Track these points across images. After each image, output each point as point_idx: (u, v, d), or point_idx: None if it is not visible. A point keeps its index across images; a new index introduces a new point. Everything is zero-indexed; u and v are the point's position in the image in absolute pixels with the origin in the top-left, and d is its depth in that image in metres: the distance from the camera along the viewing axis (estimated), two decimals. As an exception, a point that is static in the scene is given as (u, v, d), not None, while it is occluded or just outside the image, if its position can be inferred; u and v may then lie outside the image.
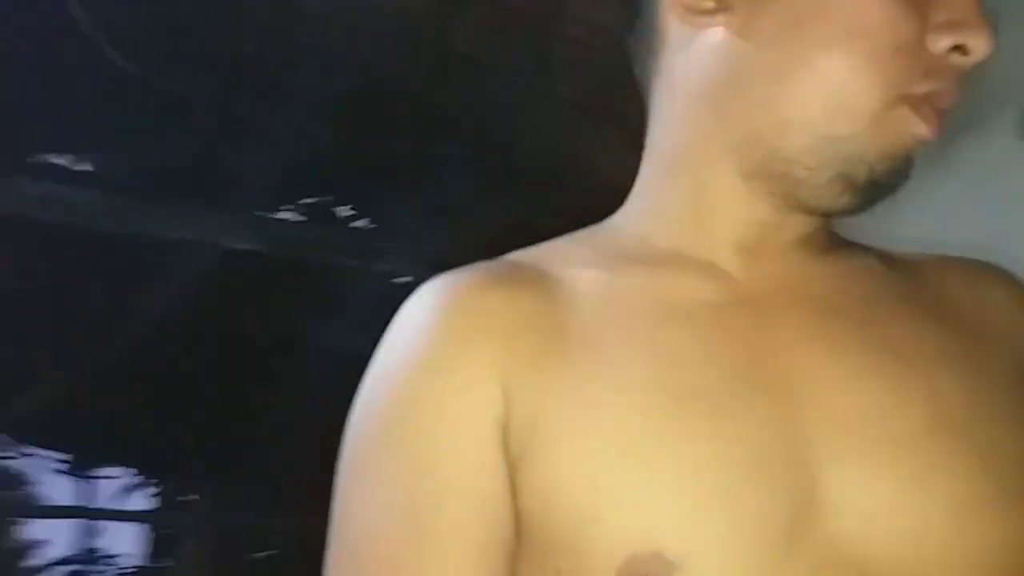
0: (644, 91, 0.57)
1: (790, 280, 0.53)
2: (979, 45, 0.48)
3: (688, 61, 0.53)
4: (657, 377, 0.48)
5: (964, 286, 0.56)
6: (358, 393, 0.52)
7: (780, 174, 0.51)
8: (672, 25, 0.53)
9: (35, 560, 3.73)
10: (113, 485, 3.59)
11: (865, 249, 0.58)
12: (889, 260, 0.57)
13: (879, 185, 0.50)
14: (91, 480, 3.54)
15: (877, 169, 0.49)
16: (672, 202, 0.55)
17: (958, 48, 0.48)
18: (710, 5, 0.51)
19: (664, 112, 0.55)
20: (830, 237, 0.56)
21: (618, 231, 0.57)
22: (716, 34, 0.52)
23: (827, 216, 0.53)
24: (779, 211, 0.52)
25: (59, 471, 3.44)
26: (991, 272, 0.58)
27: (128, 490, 3.66)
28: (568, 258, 0.55)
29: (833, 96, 0.49)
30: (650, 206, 0.56)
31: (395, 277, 2.40)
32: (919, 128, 0.49)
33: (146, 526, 3.84)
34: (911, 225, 0.80)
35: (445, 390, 0.49)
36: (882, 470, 0.46)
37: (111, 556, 3.74)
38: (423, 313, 0.52)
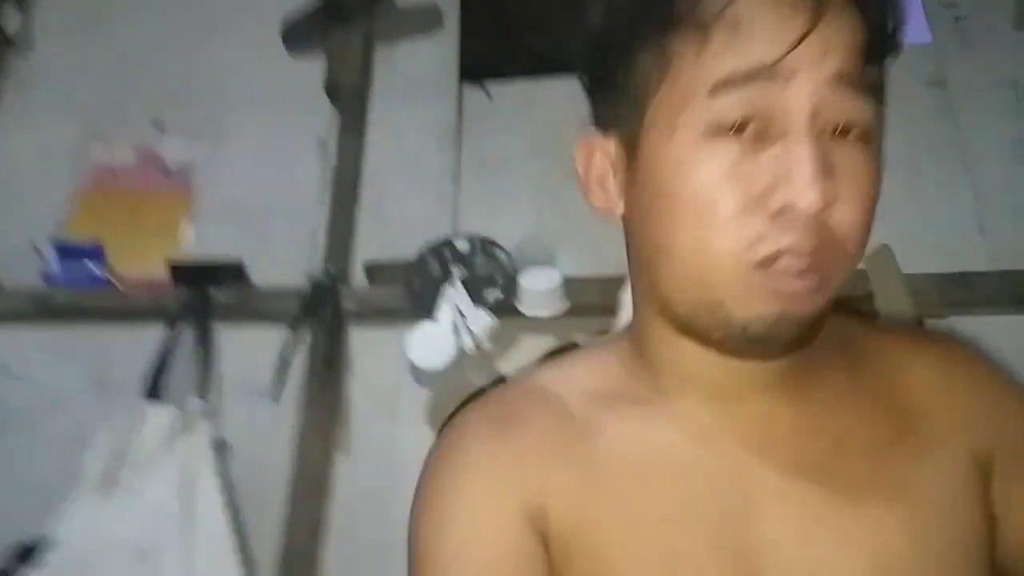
0: None
1: (763, 426, 0.58)
2: (803, 202, 0.49)
3: (627, 238, 0.61)
4: (650, 537, 0.55)
5: (928, 375, 0.61)
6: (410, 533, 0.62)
7: (693, 334, 0.56)
8: None
9: None
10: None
11: (839, 346, 0.61)
12: (856, 357, 0.62)
13: (762, 341, 0.53)
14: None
15: (752, 330, 0.52)
16: (650, 353, 0.61)
17: (784, 208, 0.50)
18: (604, 198, 0.59)
19: (629, 268, 0.63)
20: (814, 357, 0.59)
21: (621, 362, 0.63)
22: (624, 217, 0.59)
23: (761, 359, 0.56)
24: (725, 359, 0.56)
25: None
26: (955, 354, 0.63)
27: None
28: (581, 383, 0.62)
29: (685, 276, 0.54)
30: (636, 349, 0.62)
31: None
32: (775, 287, 0.51)
33: None
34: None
35: (479, 530, 0.57)
36: None
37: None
38: (453, 460, 0.61)
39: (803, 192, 0.49)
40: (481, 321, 1.35)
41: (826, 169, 0.50)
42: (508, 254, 1.50)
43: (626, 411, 0.60)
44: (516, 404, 0.62)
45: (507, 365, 1.49)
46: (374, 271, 1.58)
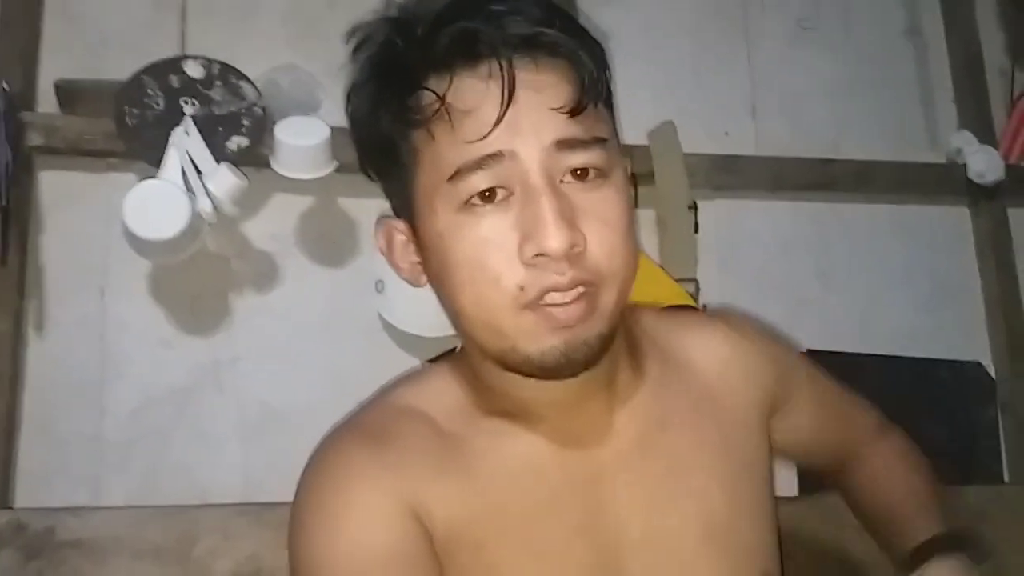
0: None
1: (612, 426, 0.66)
2: (546, 245, 0.56)
3: None
4: (520, 536, 0.63)
5: (713, 352, 0.73)
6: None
7: (511, 369, 0.62)
8: None
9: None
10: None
11: (649, 343, 0.72)
12: (662, 349, 0.72)
13: (563, 366, 0.60)
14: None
15: (548, 361, 0.59)
16: (487, 382, 0.66)
17: (539, 255, 0.57)
18: (411, 270, 0.66)
19: None
20: (623, 361, 0.68)
21: (467, 382, 0.68)
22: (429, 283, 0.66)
23: (575, 376, 0.62)
24: (550, 383, 0.62)
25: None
26: (728, 329, 0.75)
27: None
28: (444, 401, 0.67)
29: (480, 324, 0.60)
30: (477, 379, 0.67)
31: None
32: (549, 323, 0.58)
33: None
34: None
35: (361, 538, 0.61)
36: (668, 566, 0.65)
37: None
38: (332, 473, 0.63)
39: (548, 238, 0.56)
40: (223, 179, 1.09)
41: (567, 214, 0.57)
42: (256, 89, 1.21)
43: (488, 425, 0.66)
44: (383, 422, 0.66)
45: (255, 231, 1.25)
46: (70, 93, 1.21)
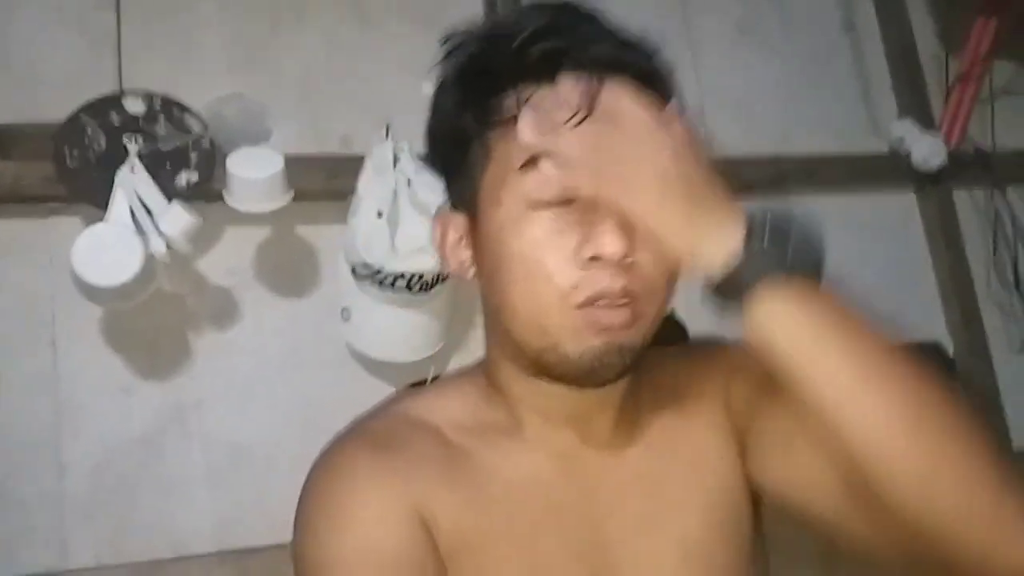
0: None
1: (612, 448, 0.69)
2: (605, 248, 0.60)
3: (480, 293, 0.70)
4: (521, 553, 0.65)
5: (697, 382, 0.74)
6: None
7: (540, 372, 0.65)
8: None
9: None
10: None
11: (648, 376, 0.72)
12: (657, 384, 0.73)
13: (600, 369, 0.62)
14: None
15: (585, 362, 0.62)
16: (506, 391, 0.69)
17: (594, 257, 0.60)
18: (467, 264, 0.68)
19: (484, 322, 0.72)
20: (633, 384, 0.70)
21: (484, 395, 0.70)
22: (476, 279, 0.69)
23: (599, 386, 0.65)
24: (577, 391, 0.65)
25: None
26: (710, 358, 0.76)
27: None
28: (450, 415, 0.69)
29: (525, 324, 0.63)
30: (494, 385, 0.70)
31: None
32: (595, 324, 0.61)
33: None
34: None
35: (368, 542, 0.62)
36: None
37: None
38: (339, 479, 0.65)
39: (608, 243, 0.60)
40: (176, 219, 1.05)
41: (626, 225, 0.60)
42: (201, 120, 1.17)
43: (494, 440, 0.68)
44: (390, 431, 0.68)
45: (210, 267, 1.21)
46: (4, 138, 1.15)
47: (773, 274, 0.55)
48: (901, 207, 1.53)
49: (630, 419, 0.70)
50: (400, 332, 1.15)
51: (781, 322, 0.56)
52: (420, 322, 1.14)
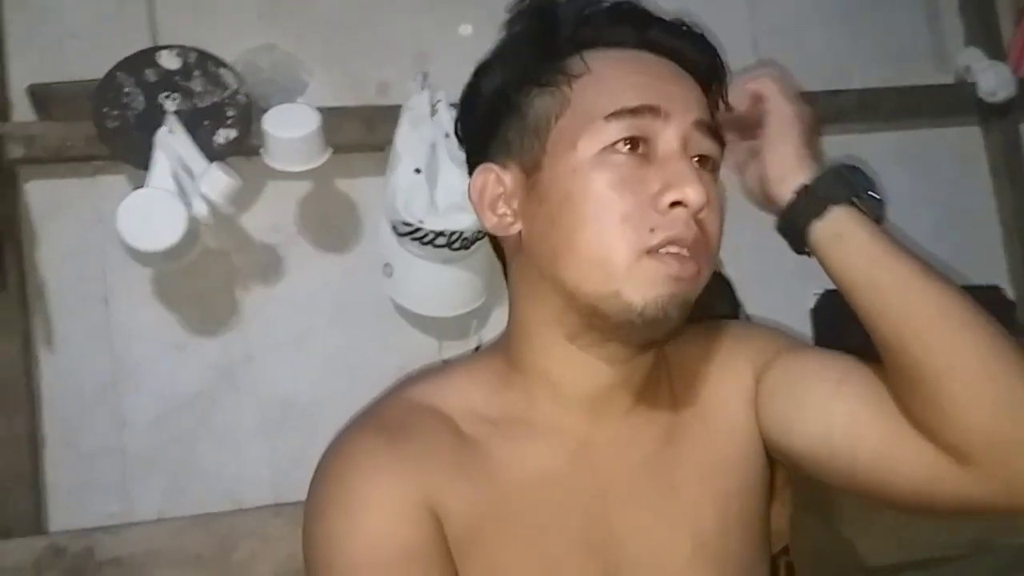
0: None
1: (624, 435, 0.69)
2: (692, 196, 0.62)
3: (513, 259, 0.70)
4: (530, 544, 0.65)
5: (709, 361, 0.75)
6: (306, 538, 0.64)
7: (589, 329, 0.65)
8: (492, 233, 0.71)
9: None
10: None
11: (663, 363, 0.74)
12: (672, 370, 0.74)
13: (657, 320, 0.62)
14: None
15: (648, 311, 0.62)
16: (528, 367, 0.69)
17: (676, 202, 0.62)
18: (504, 220, 0.68)
19: (510, 292, 0.72)
20: (654, 365, 0.71)
21: (499, 377, 0.70)
22: (519, 238, 0.68)
23: (647, 346, 0.67)
24: (608, 362, 0.67)
25: None
26: (721, 333, 0.77)
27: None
28: (464, 401, 0.69)
29: (590, 267, 0.63)
30: (513, 364, 0.70)
31: None
32: (666, 270, 0.62)
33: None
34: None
35: (378, 527, 0.62)
36: None
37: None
38: (350, 467, 0.65)
39: (692, 190, 0.62)
40: (216, 181, 1.05)
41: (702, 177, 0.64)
42: (237, 74, 1.16)
43: (507, 429, 0.68)
44: (401, 419, 0.67)
45: (254, 223, 1.21)
46: (45, 98, 1.15)
47: (845, 196, 0.65)
48: (965, 142, 1.45)
49: (647, 404, 0.70)
50: (442, 288, 1.14)
51: (854, 232, 0.65)
52: (462, 278, 1.14)
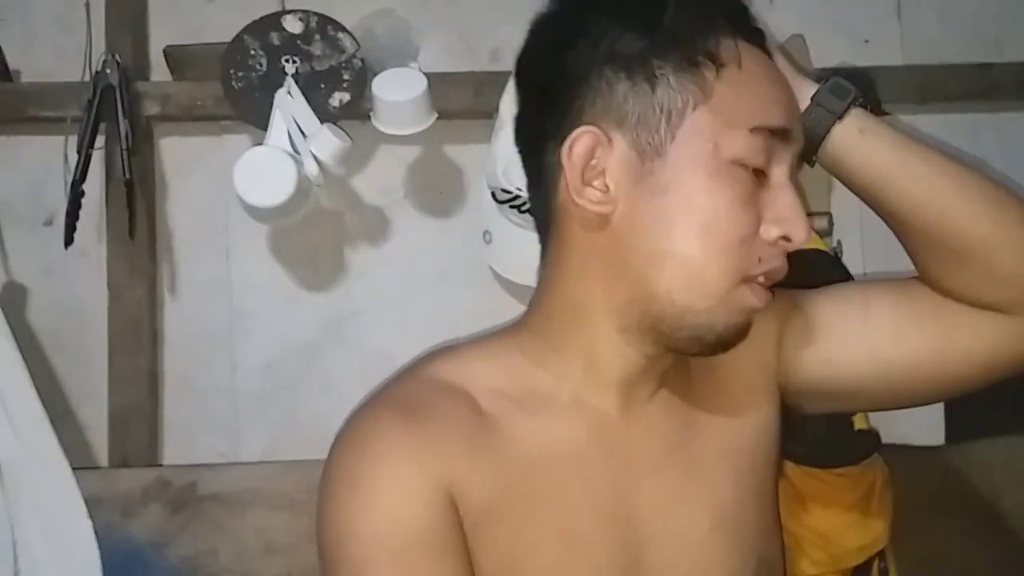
0: (541, 236, 0.69)
1: (647, 418, 0.68)
2: (799, 235, 0.62)
3: (583, 234, 0.64)
4: (551, 519, 0.64)
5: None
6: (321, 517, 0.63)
7: (648, 330, 0.64)
8: (570, 203, 0.63)
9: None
10: None
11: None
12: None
13: (724, 343, 0.63)
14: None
15: (724, 334, 0.62)
16: (566, 346, 0.67)
17: (784, 238, 0.62)
18: (602, 197, 0.63)
19: (560, 266, 0.67)
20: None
21: (525, 355, 0.68)
22: (606, 219, 0.63)
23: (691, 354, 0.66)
24: (646, 356, 0.66)
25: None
26: None
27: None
28: (485, 379, 0.66)
29: (692, 278, 0.61)
30: (547, 341, 0.67)
31: None
32: (756, 302, 0.62)
33: None
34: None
35: (393, 508, 0.60)
36: (682, 559, 0.66)
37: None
38: (367, 445, 0.63)
39: (800, 230, 0.62)
40: (326, 142, 1.08)
41: None
42: (354, 38, 1.19)
43: (530, 406, 0.66)
44: (421, 395, 0.66)
45: (365, 185, 1.25)
46: (179, 59, 1.23)
47: (857, 96, 0.66)
48: None
49: (669, 388, 0.69)
50: (538, 257, 1.14)
51: (876, 125, 0.66)
52: (560, 248, 1.13)
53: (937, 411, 1.20)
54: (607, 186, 0.62)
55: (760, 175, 0.61)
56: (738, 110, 0.60)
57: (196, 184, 1.24)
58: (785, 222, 0.61)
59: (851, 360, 0.71)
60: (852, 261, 1.19)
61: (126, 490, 1.02)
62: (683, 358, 0.69)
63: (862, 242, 1.23)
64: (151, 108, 1.20)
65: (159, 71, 1.23)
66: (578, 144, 0.61)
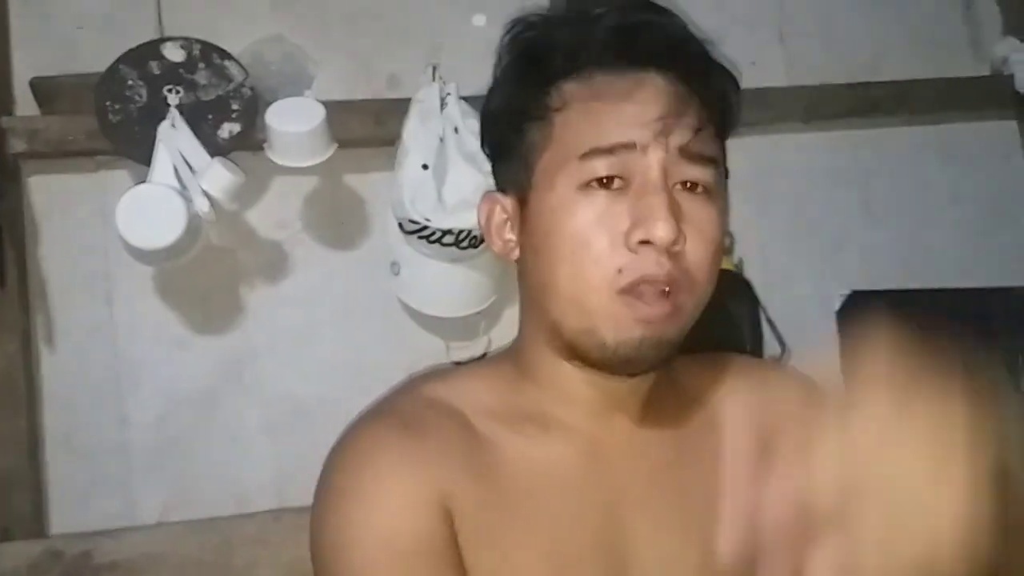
0: None
1: (638, 444, 0.68)
2: (655, 233, 0.61)
3: (519, 276, 0.72)
4: (541, 545, 0.64)
5: (732, 391, 0.74)
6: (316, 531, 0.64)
7: (574, 356, 0.66)
8: None
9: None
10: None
11: (682, 380, 0.73)
12: (691, 389, 0.74)
13: (630, 359, 0.63)
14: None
15: (621, 351, 0.62)
16: (536, 375, 0.70)
17: (644, 241, 0.62)
18: (502, 246, 0.70)
19: (520, 305, 0.73)
20: (656, 385, 0.70)
21: (508, 381, 0.70)
22: (518, 261, 0.70)
23: (631, 376, 0.66)
24: (605, 380, 0.66)
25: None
26: (750, 370, 0.77)
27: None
28: (478, 400, 0.69)
29: (568, 303, 0.64)
30: (523, 369, 0.71)
31: None
32: (634, 314, 0.62)
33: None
34: None
35: (392, 525, 0.61)
36: None
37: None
38: (365, 460, 0.64)
39: (658, 227, 0.61)
40: (217, 177, 1.02)
41: (676, 213, 0.62)
42: (242, 67, 1.13)
43: (522, 428, 0.68)
44: (416, 414, 0.67)
45: (259, 219, 1.19)
46: (47, 91, 1.13)
47: None
48: (1002, 136, 1.38)
49: (658, 422, 0.70)
50: (450, 288, 1.11)
51: None
52: (470, 278, 1.10)
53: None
54: (513, 236, 0.69)
55: (621, 187, 0.63)
56: (571, 143, 0.64)
57: (71, 226, 1.14)
58: (641, 223, 0.61)
59: None
60: (753, 276, 1.23)
61: (12, 566, 0.92)
62: (672, 387, 0.71)
63: (763, 258, 1.27)
64: (17, 145, 1.09)
65: (25, 104, 1.13)
66: (480, 208, 0.72)
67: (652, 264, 0.62)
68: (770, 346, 1.19)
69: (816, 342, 1.20)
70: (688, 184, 0.64)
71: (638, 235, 0.61)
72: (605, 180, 0.63)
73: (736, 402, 0.74)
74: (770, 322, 1.19)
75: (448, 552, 0.62)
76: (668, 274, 0.62)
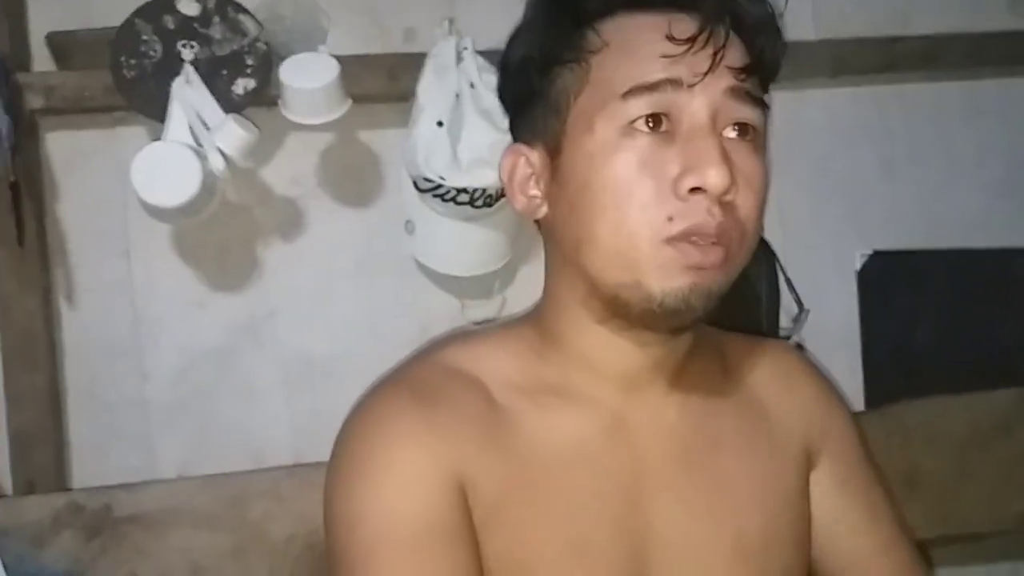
0: None
1: (665, 423, 0.66)
2: (709, 180, 0.58)
3: (546, 235, 0.69)
4: (559, 524, 0.62)
5: (773, 379, 0.74)
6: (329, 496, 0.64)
7: (614, 316, 0.63)
8: None
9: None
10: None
11: (713, 355, 0.71)
12: (726, 365, 0.72)
13: (676, 310, 0.60)
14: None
15: (668, 302, 0.60)
16: (562, 340, 0.67)
17: (696, 188, 0.59)
18: (527, 203, 0.67)
19: (546, 265, 0.70)
20: (689, 355, 0.68)
21: (532, 348, 0.68)
22: (544, 220, 0.67)
23: (672, 333, 0.64)
24: (639, 346, 0.64)
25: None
26: (791, 360, 0.77)
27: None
28: (498, 369, 0.66)
29: (610, 256, 0.61)
30: (547, 335, 0.68)
31: None
32: (685, 261, 0.59)
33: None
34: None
35: (403, 495, 0.60)
36: None
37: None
38: (380, 429, 0.62)
39: (712, 174, 0.58)
40: (231, 135, 1.01)
41: (729, 160, 0.59)
42: (257, 20, 1.11)
43: (543, 401, 0.66)
44: (434, 382, 0.66)
45: (275, 176, 1.18)
46: (64, 46, 1.13)
47: None
48: (1036, 93, 1.34)
49: (688, 389, 0.68)
50: (465, 246, 1.10)
51: None
52: (485, 236, 1.10)
53: (856, 377, 1.24)
54: (539, 192, 0.66)
55: (668, 130, 0.60)
56: (611, 83, 0.61)
57: (89, 182, 1.15)
58: (692, 170, 0.58)
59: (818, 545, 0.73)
60: (772, 234, 1.21)
61: (35, 519, 0.94)
62: (702, 363, 0.69)
63: (782, 217, 1.25)
64: (35, 101, 1.09)
65: (42, 60, 1.13)
66: (503, 164, 0.68)
67: (703, 212, 0.59)
68: (787, 306, 1.17)
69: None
70: (737, 127, 0.61)
71: (690, 181, 0.58)
72: (651, 122, 0.60)
73: (781, 392, 0.72)
74: (788, 281, 1.18)
75: (459, 530, 0.60)
76: (719, 225, 0.59)
